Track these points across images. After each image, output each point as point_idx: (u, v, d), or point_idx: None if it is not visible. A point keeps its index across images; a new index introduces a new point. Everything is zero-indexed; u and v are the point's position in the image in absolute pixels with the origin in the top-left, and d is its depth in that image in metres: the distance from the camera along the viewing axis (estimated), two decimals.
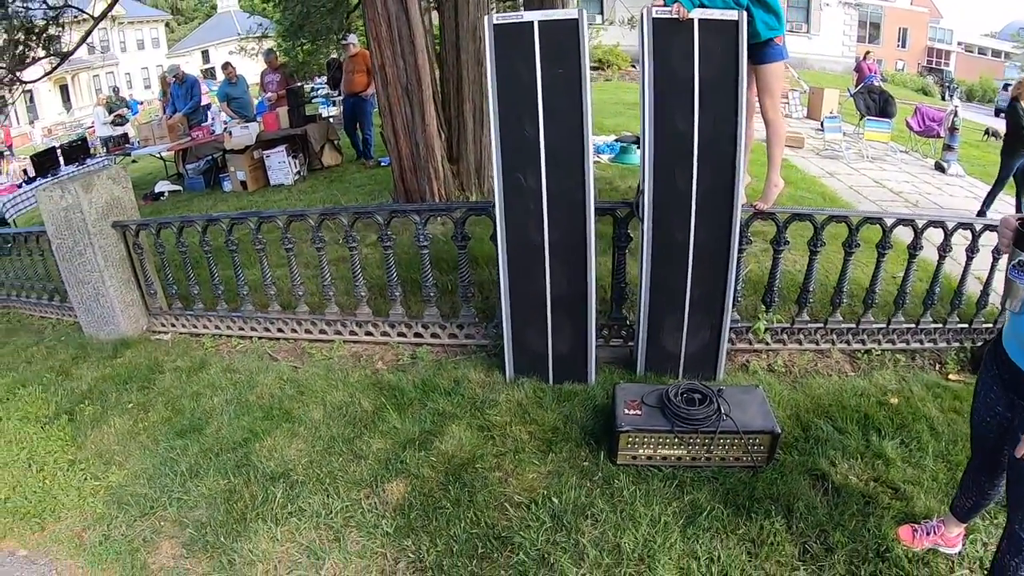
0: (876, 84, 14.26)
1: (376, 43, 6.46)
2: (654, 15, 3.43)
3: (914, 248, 4.24)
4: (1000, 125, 17.40)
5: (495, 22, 3.51)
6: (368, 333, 4.86)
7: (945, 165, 10.47)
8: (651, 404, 3.44)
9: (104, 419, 4.30)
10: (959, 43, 40.42)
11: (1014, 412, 2.28)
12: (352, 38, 11.70)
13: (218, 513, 3.35)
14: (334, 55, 17.44)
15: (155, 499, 3.54)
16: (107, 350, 5.25)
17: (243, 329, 5.20)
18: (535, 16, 3.47)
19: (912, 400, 3.91)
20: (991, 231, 4.05)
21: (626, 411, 3.39)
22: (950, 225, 4.20)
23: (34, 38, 9.64)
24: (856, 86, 14.60)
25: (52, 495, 3.73)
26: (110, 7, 11.17)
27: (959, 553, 2.88)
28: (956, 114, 10.68)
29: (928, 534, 2.88)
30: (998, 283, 3.40)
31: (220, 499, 3.43)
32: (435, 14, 8.15)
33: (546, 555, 2.90)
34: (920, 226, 4.18)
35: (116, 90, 22.67)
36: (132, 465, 3.86)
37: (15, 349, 5.72)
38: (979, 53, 40.88)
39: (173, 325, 5.50)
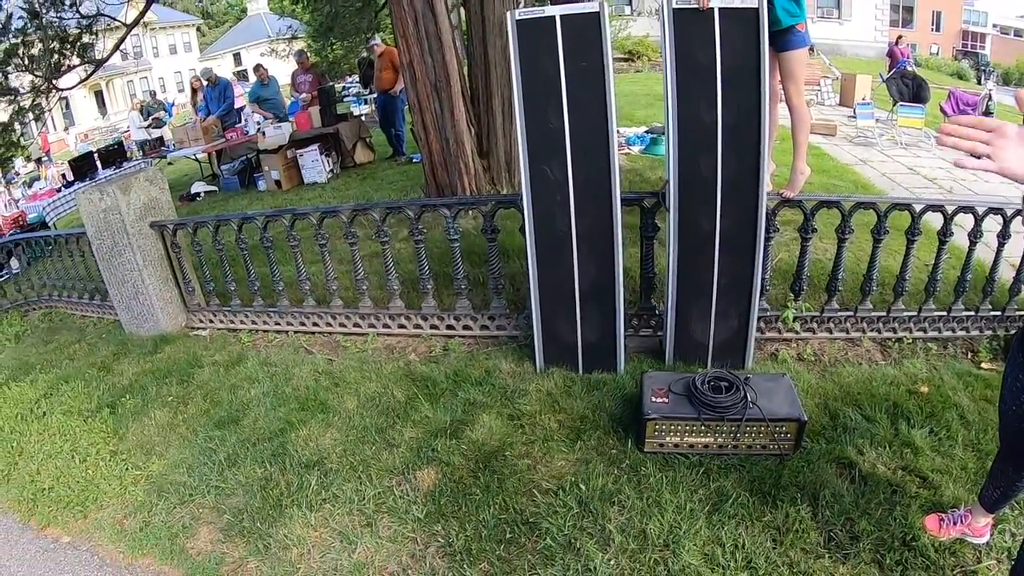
0: (909, 69, 14.00)
1: (404, 41, 6.53)
2: (674, 5, 3.44)
3: (944, 234, 4.17)
4: None
5: (518, 17, 3.56)
6: (401, 326, 4.94)
7: None
8: (678, 392, 3.46)
9: (144, 412, 4.44)
10: (994, 25, 39.40)
11: None
12: (377, 39, 11.83)
13: (255, 500, 3.45)
14: (365, 54, 17.63)
15: (194, 487, 3.66)
16: (147, 346, 5.40)
17: (279, 324, 5.32)
18: (557, 10, 3.50)
19: (943, 389, 3.86)
20: (1021, 215, 4.01)
21: (653, 399, 3.42)
22: (980, 210, 4.12)
23: (69, 46, 9.85)
24: (889, 71, 14.38)
25: (94, 484, 3.88)
26: (142, 14, 11.34)
27: (987, 543, 2.85)
28: (990, 98, 10.50)
29: (955, 523, 2.85)
30: None
31: (257, 486, 3.54)
32: (462, 10, 8.19)
33: (573, 540, 2.95)
34: (950, 212, 4.12)
35: (153, 94, 22.89)
36: (172, 455, 3.99)
37: (58, 347, 5.91)
38: (1015, 35, 39.81)
39: (211, 321, 5.63)
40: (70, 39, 9.85)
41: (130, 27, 10.71)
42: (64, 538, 3.63)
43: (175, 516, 3.51)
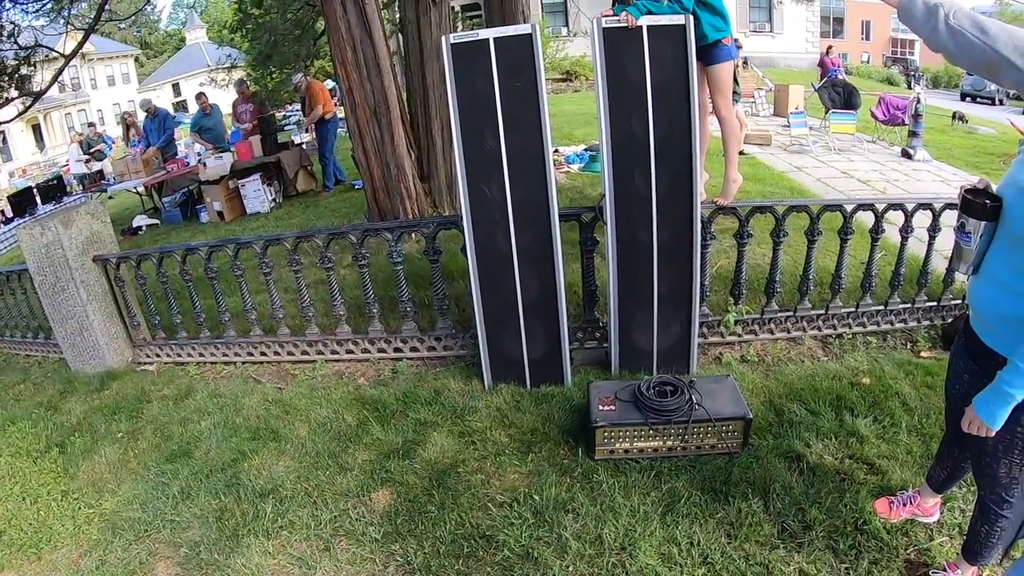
0: (840, 78, 14.45)
1: (343, 67, 6.56)
2: (604, 25, 3.55)
3: (876, 232, 4.33)
4: (966, 109, 17.70)
5: (452, 41, 3.62)
6: (349, 351, 4.94)
7: (911, 151, 10.61)
8: (624, 399, 3.54)
9: (95, 449, 4.36)
10: None
11: (976, 379, 2.31)
12: (299, 76, 12.03)
13: (211, 532, 3.41)
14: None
15: (149, 523, 3.60)
16: (94, 383, 5.30)
17: (227, 355, 5.27)
18: (490, 33, 3.58)
19: (884, 379, 3.99)
20: (952, 209, 4.16)
21: (600, 407, 3.49)
22: (910, 207, 4.28)
23: (6, 79, 9.69)
24: (820, 81, 14.81)
25: (47, 526, 3.78)
26: (80, 45, 11.21)
27: (937, 521, 2.96)
28: (919, 101, 10.85)
29: (905, 505, 2.95)
30: None
31: (212, 518, 3.50)
32: (400, 36, 8.26)
33: (530, 550, 2.98)
34: (880, 209, 4.28)
35: (93, 126, 22.29)
36: (124, 492, 3.92)
37: (2, 388, 5.78)
38: None
39: (158, 355, 5.56)
40: (8, 71, 9.69)
41: (68, 58, 10.57)
42: None
43: (131, 553, 3.44)
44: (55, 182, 13.52)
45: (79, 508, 3.87)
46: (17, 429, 4.82)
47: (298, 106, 19.44)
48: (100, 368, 5.47)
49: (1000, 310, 2.08)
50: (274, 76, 18.27)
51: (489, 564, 2.97)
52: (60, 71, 10.84)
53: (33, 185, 13.56)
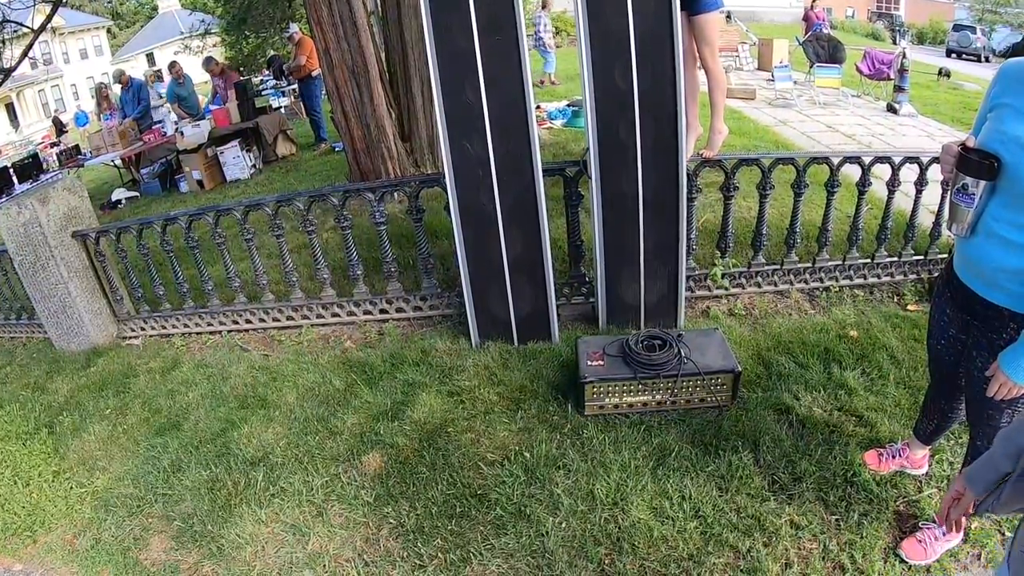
0: (825, 32, 14.36)
1: (318, 27, 6.46)
2: None
3: (863, 185, 4.31)
4: (952, 65, 17.70)
5: None
6: (334, 315, 4.91)
7: (897, 106, 10.58)
8: (613, 354, 3.53)
9: (84, 428, 4.33)
10: None
11: (968, 333, 2.32)
12: (294, 27, 11.73)
13: (203, 503, 3.40)
14: (272, 52, 17.51)
15: (141, 498, 3.59)
16: (80, 361, 5.25)
17: (212, 324, 5.23)
18: None
19: (872, 332, 4.01)
20: (939, 163, 4.13)
21: (589, 363, 3.48)
22: (897, 160, 4.25)
23: None
24: (805, 35, 14.71)
25: (40, 507, 3.76)
26: (49, 17, 10.98)
27: (926, 473, 2.98)
28: (905, 56, 10.80)
29: (894, 457, 2.97)
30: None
31: (204, 490, 3.48)
32: None
33: (522, 508, 2.99)
34: (867, 162, 4.24)
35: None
36: (115, 468, 3.90)
37: None
38: None
39: (143, 329, 5.50)
40: None
41: (37, 32, 10.38)
42: (16, 566, 3.51)
43: (125, 529, 3.44)
44: (31, 160, 13.27)
45: (71, 488, 3.85)
46: (5, 412, 4.76)
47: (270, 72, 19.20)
48: (85, 345, 5.42)
49: (1005, 267, 2.04)
50: (249, 41, 17.97)
51: (482, 523, 2.98)
52: (30, 45, 10.66)
53: (9, 165, 13.29)
